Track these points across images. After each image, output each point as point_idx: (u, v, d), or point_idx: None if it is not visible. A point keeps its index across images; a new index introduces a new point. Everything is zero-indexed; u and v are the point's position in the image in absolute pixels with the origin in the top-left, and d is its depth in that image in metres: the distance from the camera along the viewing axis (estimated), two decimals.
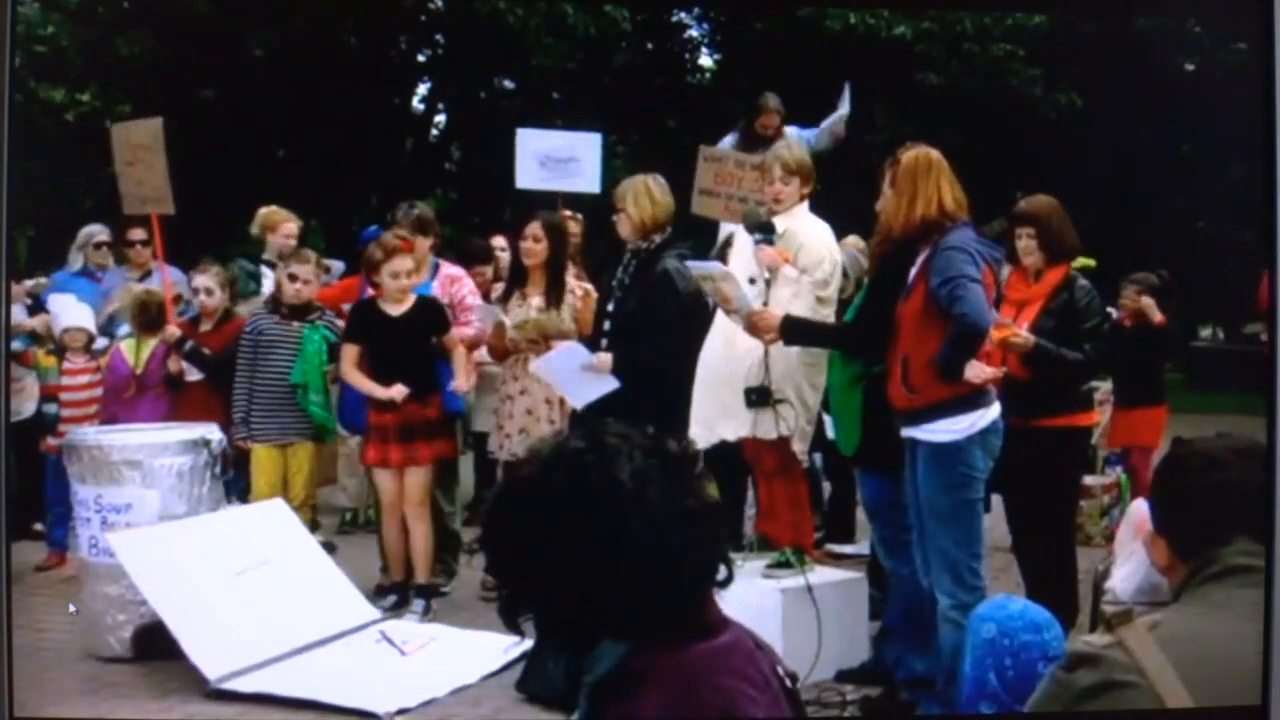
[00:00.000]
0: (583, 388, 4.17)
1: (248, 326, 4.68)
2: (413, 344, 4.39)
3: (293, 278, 4.68)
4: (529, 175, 5.08)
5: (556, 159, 5.05)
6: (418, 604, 4.34)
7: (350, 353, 4.42)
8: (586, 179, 5.12)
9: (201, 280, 4.80)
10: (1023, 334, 3.75)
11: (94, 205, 6.81)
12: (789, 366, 3.83)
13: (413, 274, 4.47)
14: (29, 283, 5.11)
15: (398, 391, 4.30)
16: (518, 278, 4.66)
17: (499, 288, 5.03)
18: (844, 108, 5.64)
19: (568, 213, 5.02)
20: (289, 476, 4.66)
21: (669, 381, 3.96)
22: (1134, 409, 5.42)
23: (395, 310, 4.41)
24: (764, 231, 3.84)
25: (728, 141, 5.43)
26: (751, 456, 4.04)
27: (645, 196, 4.19)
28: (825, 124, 5.70)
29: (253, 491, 4.62)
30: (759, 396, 3.80)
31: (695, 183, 4.77)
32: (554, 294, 4.52)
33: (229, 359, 4.67)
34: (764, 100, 5.63)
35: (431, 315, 4.47)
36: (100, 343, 5.00)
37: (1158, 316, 5.19)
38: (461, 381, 4.47)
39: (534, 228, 4.54)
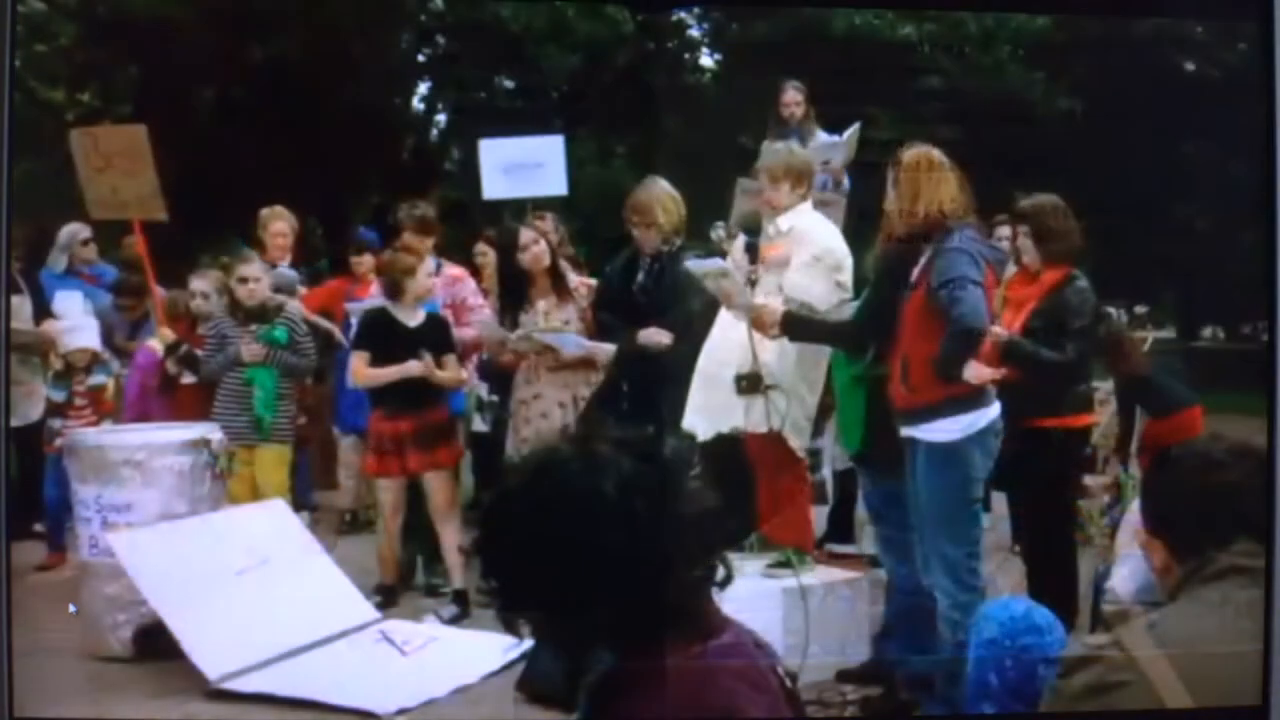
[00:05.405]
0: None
1: (210, 331, 4.68)
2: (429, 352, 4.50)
3: (243, 280, 4.67)
4: (495, 185, 5.12)
5: (522, 166, 5.08)
6: (449, 610, 4.35)
7: (362, 357, 4.50)
8: (553, 183, 5.15)
9: (199, 284, 4.79)
10: (996, 329, 3.73)
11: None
12: (780, 353, 3.88)
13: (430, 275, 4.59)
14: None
15: (427, 365, 4.42)
16: (519, 284, 4.65)
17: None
18: (849, 134, 5.65)
19: (544, 216, 5.05)
20: (257, 481, 4.60)
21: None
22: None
23: (412, 321, 4.52)
24: (750, 233, 4.01)
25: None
26: (752, 454, 4.06)
27: (672, 204, 4.33)
28: (841, 139, 5.71)
29: (227, 494, 4.52)
30: (749, 383, 3.86)
31: (733, 211, 4.79)
32: (560, 295, 4.55)
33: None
34: (782, 85, 5.63)
35: (443, 330, 4.59)
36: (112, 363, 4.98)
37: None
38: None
39: (528, 235, 4.58)
